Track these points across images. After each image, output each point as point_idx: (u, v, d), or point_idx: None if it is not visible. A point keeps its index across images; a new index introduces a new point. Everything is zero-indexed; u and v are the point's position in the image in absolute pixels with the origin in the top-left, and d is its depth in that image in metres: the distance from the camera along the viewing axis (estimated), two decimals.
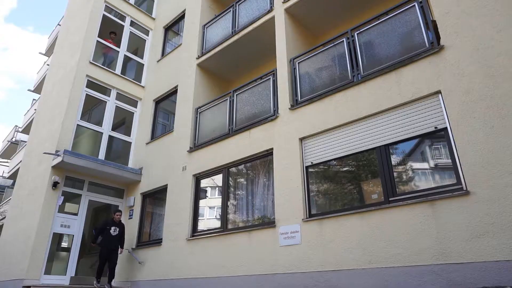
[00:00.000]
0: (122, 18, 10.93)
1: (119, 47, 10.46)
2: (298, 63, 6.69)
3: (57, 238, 8.15)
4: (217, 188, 7.56)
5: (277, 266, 5.54)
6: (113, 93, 9.85)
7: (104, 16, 10.40)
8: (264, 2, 7.93)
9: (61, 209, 8.17)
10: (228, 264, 6.25)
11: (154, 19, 11.72)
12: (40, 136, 9.73)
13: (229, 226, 6.77)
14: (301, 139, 6.06)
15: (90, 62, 9.50)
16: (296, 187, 5.75)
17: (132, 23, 11.09)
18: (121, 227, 7.92)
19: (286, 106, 6.45)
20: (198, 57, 9.10)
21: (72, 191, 8.51)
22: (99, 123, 9.40)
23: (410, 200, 4.50)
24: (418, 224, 4.30)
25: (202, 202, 7.74)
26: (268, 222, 6.11)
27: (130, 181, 9.23)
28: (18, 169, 12.61)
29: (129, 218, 9.00)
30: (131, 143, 9.92)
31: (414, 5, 5.27)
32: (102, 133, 9.25)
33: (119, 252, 7.77)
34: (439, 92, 4.66)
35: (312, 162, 5.84)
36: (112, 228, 7.67)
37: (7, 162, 21.66)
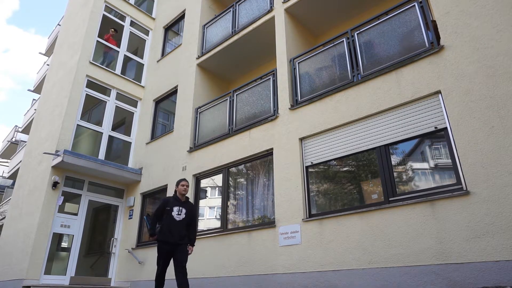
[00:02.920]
0: (122, 18, 10.93)
1: (119, 46, 10.47)
2: (298, 63, 6.69)
3: (57, 238, 8.14)
4: (217, 188, 7.56)
5: (277, 266, 5.54)
6: (113, 93, 9.85)
7: (104, 16, 10.40)
8: (264, 2, 7.93)
9: (61, 209, 8.17)
10: (228, 264, 6.25)
11: (154, 19, 11.72)
12: (40, 136, 9.73)
13: (229, 226, 6.77)
14: (301, 139, 6.06)
15: (90, 62, 9.50)
16: (296, 187, 5.75)
17: (132, 23, 11.10)
18: (190, 208, 5.18)
19: (286, 106, 6.45)
20: (198, 57, 9.10)
21: (72, 191, 8.51)
22: (99, 123, 9.40)
23: (410, 200, 4.50)
24: (418, 224, 4.30)
25: (202, 202, 7.73)
26: (268, 222, 6.11)
27: (130, 181, 9.23)
28: (18, 169, 12.61)
29: (129, 218, 9.01)
30: (131, 143, 9.91)
31: (414, 5, 5.27)
32: (102, 133, 9.25)
33: (188, 250, 5.04)
34: (439, 92, 4.66)
35: (312, 162, 5.84)
36: (175, 209, 5.01)
37: (7, 162, 21.65)
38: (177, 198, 5.18)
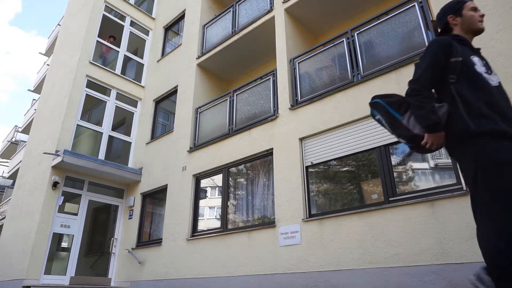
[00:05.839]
0: (122, 18, 10.93)
1: (118, 46, 10.45)
2: (298, 63, 6.69)
3: (57, 238, 8.15)
4: (217, 188, 7.56)
5: (277, 266, 5.54)
6: (113, 93, 9.85)
7: (104, 16, 10.41)
8: (264, 2, 7.93)
9: (61, 209, 8.17)
10: (228, 264, 6.24)
11: (154, 19, 11.72)
12: (40, 136, 9.73)
13: (229, 226, 6.77)
14: (301, 139, 6.06)
15: (90, 62, 9.50)
16: (296, 187, 5.75)
17: (132, 23, 11.10)
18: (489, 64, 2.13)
19: (286, 106, 6.45)
20: (198, 57, 9.10)
21: (72, 191, 8.51)
22: (99, 123, 9.40)
23: (410, 200, 4.50)
24: (418, 224, 4.30)
25: (202, 202, 7.73)
26: (268, 222, 6.11)
27: (130, 181, 9.23)
28: (18, 169, 12.61)
29: (129, 218, 9.01)
30: (131, 143, 9.92)
31: (414, 5, 5.27)
32: (102, 133, 9.25)
33: None
34: None
35: (312, 162, 5.84)
36: (477, 61, 2.05)
37: (7, 162, 21.65)
38: (465, 41, 2.22)
